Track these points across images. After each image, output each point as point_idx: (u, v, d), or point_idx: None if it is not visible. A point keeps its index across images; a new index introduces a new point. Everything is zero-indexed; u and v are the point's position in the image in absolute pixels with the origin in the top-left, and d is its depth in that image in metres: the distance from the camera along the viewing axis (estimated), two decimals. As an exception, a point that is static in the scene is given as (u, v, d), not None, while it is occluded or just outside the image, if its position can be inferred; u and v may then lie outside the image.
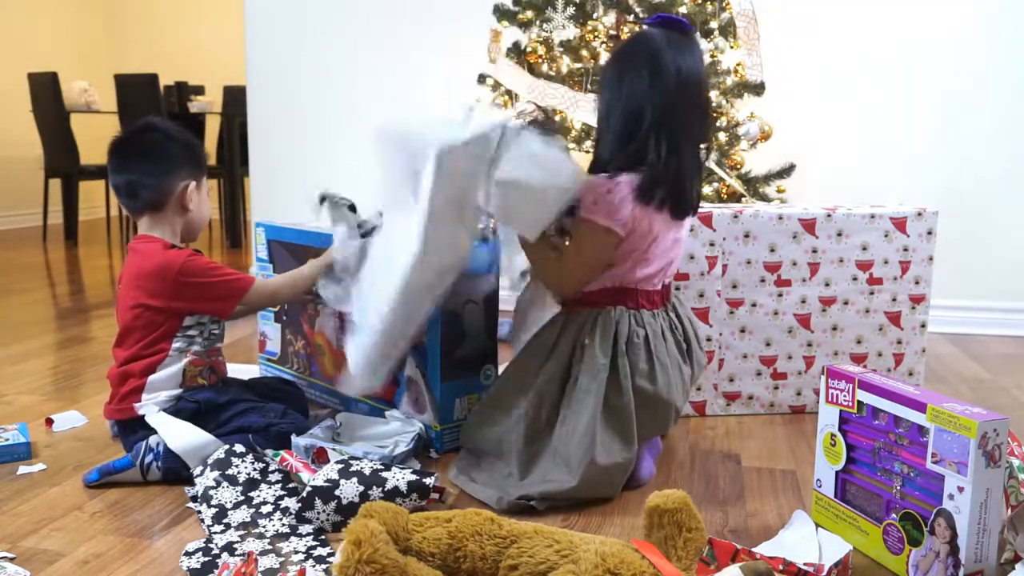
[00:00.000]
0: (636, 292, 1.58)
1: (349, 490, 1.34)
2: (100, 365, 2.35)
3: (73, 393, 2.12)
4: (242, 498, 1.40)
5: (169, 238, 1.69)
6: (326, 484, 1.35)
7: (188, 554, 1.27)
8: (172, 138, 1.70)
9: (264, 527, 1.34)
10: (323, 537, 1.31)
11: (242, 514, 1.36)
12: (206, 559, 1.25)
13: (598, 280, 1.59)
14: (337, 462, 1.39)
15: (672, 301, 1.67)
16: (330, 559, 1.23)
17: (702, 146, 1.62)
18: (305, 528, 1.33)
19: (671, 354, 1.59)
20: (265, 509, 1.38)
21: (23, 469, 1.62)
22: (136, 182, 1.67)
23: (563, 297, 1.65)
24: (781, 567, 1.08)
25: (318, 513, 1.34)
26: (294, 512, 1.36)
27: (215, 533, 1.32)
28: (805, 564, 1.11)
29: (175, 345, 1.64)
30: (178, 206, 1.69)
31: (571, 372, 1.57)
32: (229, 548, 1.27)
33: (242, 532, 1.32)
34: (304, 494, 1.35)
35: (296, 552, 1.26)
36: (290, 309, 2.07)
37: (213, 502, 1.39)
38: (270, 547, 1.28)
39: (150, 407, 1.61)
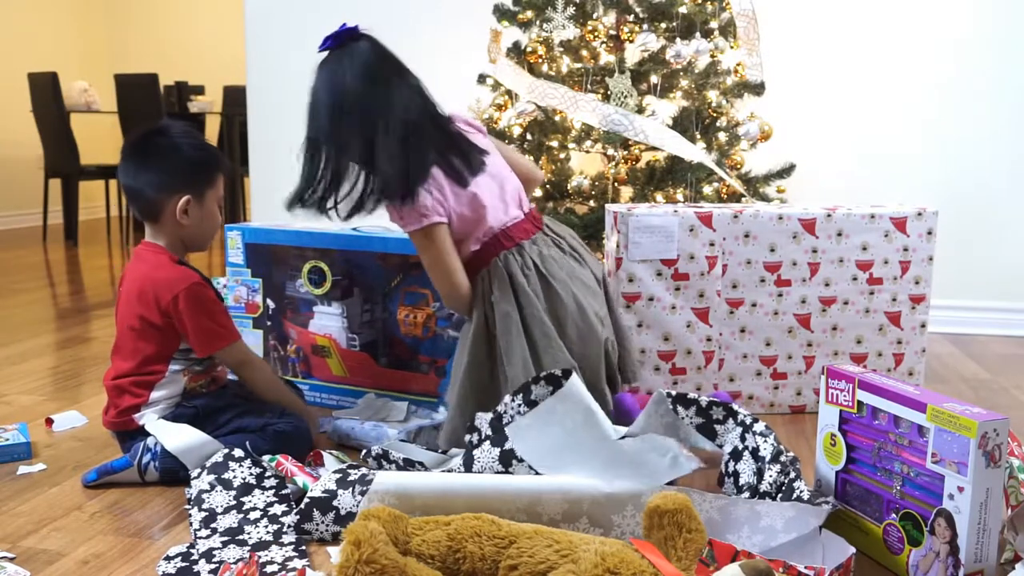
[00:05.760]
0: (504, 233, 1.64)
1: (347, 500, 1.33)
2: (100, 365, 2.35)
3: (73, 393, 2.12)
4: (233, 503, 1.39)
5: (172, 249, 1.66)
6: (324, 495, 1.34)
7: (168, 559, 1.26)
8: (176, 148, 1.63)
9: (249, 534, 1.32)
10: (303, 548, 1.29)
11: (231, 519, 1.35)
12: (183, 565, 1.24)
13: (468, 248, 1.65)
14: (334, 471, 1.38)
15: (545, 223, 1.73)
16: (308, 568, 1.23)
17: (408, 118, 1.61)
18: (288, 537, 1.31)
19: (564, 266, 1.66)
20: (253, 515, 1.36)
21: (23, 469, 1.62)
22: (133, 191, 1.65)
23: (462, 297, 1.65)
24: (781, 570, 1.08)
25: (317, 524, 1.33)
26: (283, 520, 1.35)
27: (200, 538, 1.31)
28: (806, 567, 1.11)
29: (173, 367, 1.63)
30: (174, 220, 1.64)
31: (492, 332, 1.62)
32: (208, 555, 1.26)
33: (225, 539, 1.30)
34: (303, 505, 1.34)
35: (272, 562, 1.24)
36: (273, 315, 2.06)
37: (204, 506, 1.38)
38: (247, 555, 1.26)
39: (150, 415, 1.61)
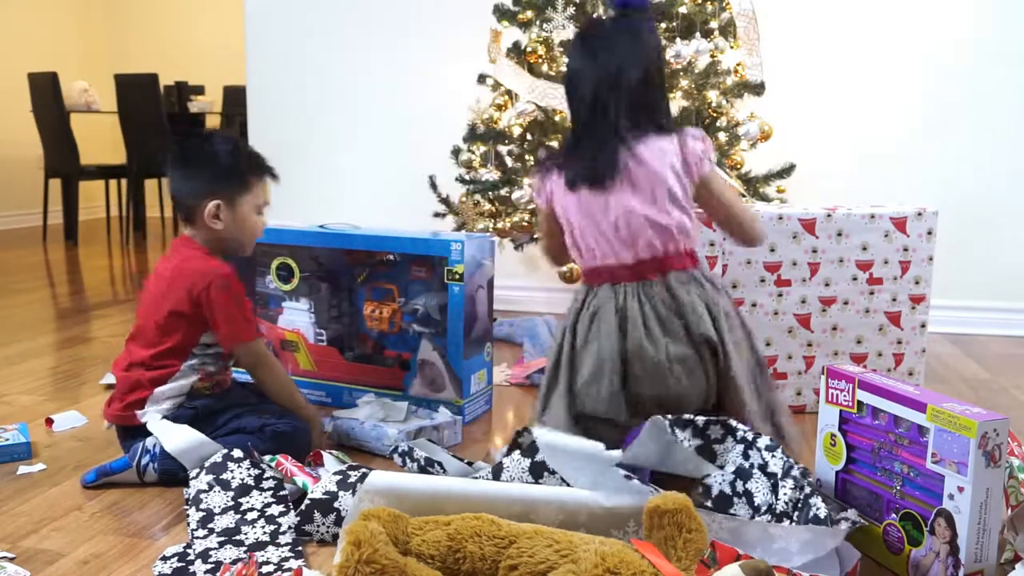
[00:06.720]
0: (595, 270, 1.62)
1: (348, 501, 1.33)
2: (100, 365, 2.35)
3: (73, 393, 2.12)
4: (231, 504, 1.38)
5: (207, 247, 1.68)
6: (325, 496, 1.34)
7: (164, 559, 1.26)
8: (212, 154, 1.66)
9: (246, 534, 1.32)
10: (299, 548, 1.29)
11: (228, 520, 1.35)
12: (179, 565, 1.24)
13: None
14: (335, 473, 1.38)
15: (668, 278, 1.55)
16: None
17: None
18: (285, 538, 1.31)
19: (638, 331, 1.52)
20: (250, 516, 1.36)
21: (23, 469, 1.62)
22: (172, 192, 1.70)
23: (554, 264, 1.82)
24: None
25: (318, 526, 1.33)
26: (280, 521, 1.35)
27: (197, 538, 1.30)
28: (810, 575, 1.11)
29: (189, 363, 1.64)
30: (205, 223, 1.66)
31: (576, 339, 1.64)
32: (204, 555, 1.25)
33: (222, 539, 1.30)
34: (303, 507, 1.34)
35: (268, 562, 1.23)
36: None
37: (202, 506, 1.38)
38: (245, 556, 1.26)
39: (152, 415, 1.61)
